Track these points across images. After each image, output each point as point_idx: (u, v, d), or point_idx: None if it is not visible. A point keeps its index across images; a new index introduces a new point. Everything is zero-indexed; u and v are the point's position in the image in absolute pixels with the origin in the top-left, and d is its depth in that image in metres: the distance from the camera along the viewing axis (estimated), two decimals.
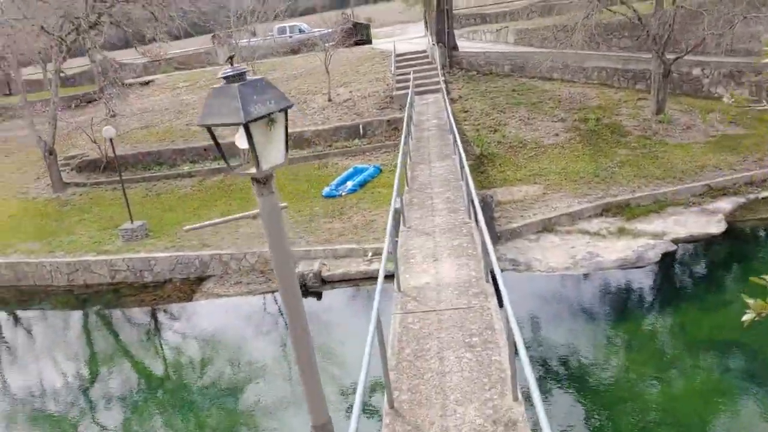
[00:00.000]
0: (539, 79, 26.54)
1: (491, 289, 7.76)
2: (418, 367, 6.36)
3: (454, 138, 13.77)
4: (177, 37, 45.85)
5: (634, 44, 27.07)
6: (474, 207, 8.92)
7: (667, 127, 20.81)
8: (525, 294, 13.62)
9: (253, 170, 3.00)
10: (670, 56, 20.60)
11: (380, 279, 6.35)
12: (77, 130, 26.97)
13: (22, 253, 19.28)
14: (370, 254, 16.14)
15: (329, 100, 26.84)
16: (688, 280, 14.20)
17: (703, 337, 11.67)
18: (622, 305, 13.14)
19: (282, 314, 15.45)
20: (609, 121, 21.80)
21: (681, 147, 19.68)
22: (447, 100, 19.59)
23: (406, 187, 13.17)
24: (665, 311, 12.56)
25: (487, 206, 15.55)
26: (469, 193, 10.07)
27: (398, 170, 11.14)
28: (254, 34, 33.80)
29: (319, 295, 15.66)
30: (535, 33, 30.87)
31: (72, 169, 25.69)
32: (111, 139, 19.08)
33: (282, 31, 39.45)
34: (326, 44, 29.38)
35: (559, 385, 10.57)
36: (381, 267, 6.71)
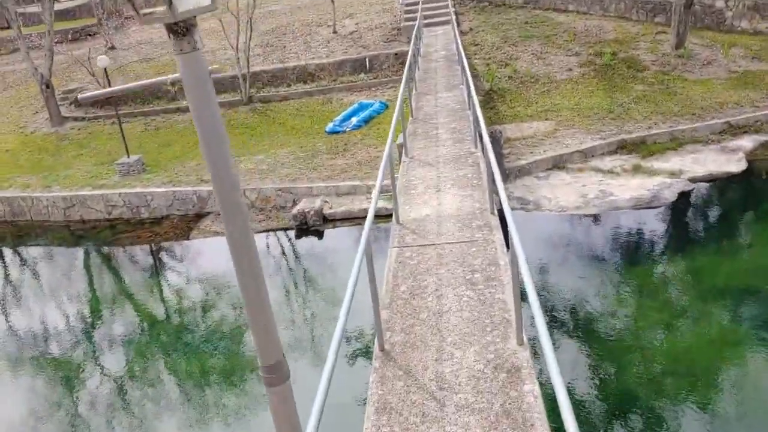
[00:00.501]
0: (553, 11, 25.36)
1: (496, 222, 7.19)
2: (413, 305, 5.84)
3: (462, 67, 12.98)
4: None
5: None
6: (481, 135, 8.26)
7: (686, 62, 19.82)
8: (533, 234, 13.04)
9: (164, 11, 1.78)
10: None
11: (371, 212, 5.78)
12: (76, 63, 26.15)
13: (18, 188, 18.83)
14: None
15: (334, 32, 25.81)
16: (705, 221, 13.59)
17: (718, 282, 11.07)
18: (635, 247, 12.57)
19: (284, 253, 15.03)
20: (625, 55, 20.79)
21: (701, 83, 18.75)
22: (457, 32, 18.62)
23: (411, 118, 12.48)
24: (680, 255, 11.97)
25: (495, 141, 14.83)
26: (476, 120, 9.39)
27: (399, 100, 10.45)
28: None
29: (320, 234, 15.17)
30: None
31: (71, 103, 25.00)
32: (106, 69, 18.32)
33: None
34: None
35: (565, 332, 10.10)
36: (373, 197, 6.12)
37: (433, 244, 6.93)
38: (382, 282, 6.25)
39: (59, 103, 24.20)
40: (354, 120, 19.35)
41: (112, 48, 27.63)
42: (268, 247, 15.18)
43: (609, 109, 17.72)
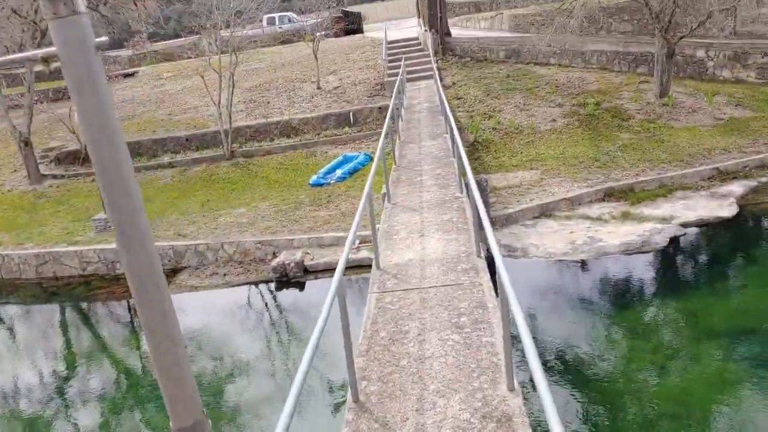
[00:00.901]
0: (535, 65, 25.52)
1: (483, 264, 6.71)
2: (393, 352, 5.29)
3: (445, 115, 12.73)
4: (163, 37, 44.81)
5: (634, 28, 26.11)
6: (466, 180, 7.86)
7: (671, 110, 19.78)
8: (521, 280, 12.52)
9: None
10: (675, 36, 19.56)
11: (344, 254, 5.30)
12: (58, 122, 25.87)
13: None
14: (357, 242, 15.08)
15: (318, 87, 25.79)
16: (698, 265, 13.16)
17: (712, 324, 10.59)
18: (626, 292, 12.09)
19: (267, 306, 14.41)
20: (609, 105, 20.77)
21: (687, 130, 18.65)
22: (439, 84, 18.55)
23: (394, 165, 12.13)
24: (673, 297, 11.49)
25: (481, 190, 14.37)
26: (461, 165, 9.01)
27: (380, 146, 10.09)
28: (243, 26, 32.75)
29: (301, 286, 14.59)
30: (531, 19, 29.84)
31: (51, 161, 24.58)
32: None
33: (271, 21, 38.44)
34: (316, 33, 28.38)
35: (556, 377, 9.50)
36: (348, 239, 5.65)
37: (417, 288, 6.42)
38: (360, 329, 5.71)
39: (39, 161, 23.78)
40: (338, 172, 19.03)
41: None
42: (242, 300, 14.59)
43: (595, 158, 17.50)
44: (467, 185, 7.74)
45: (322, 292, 14.06)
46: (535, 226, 14.73)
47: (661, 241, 13.25)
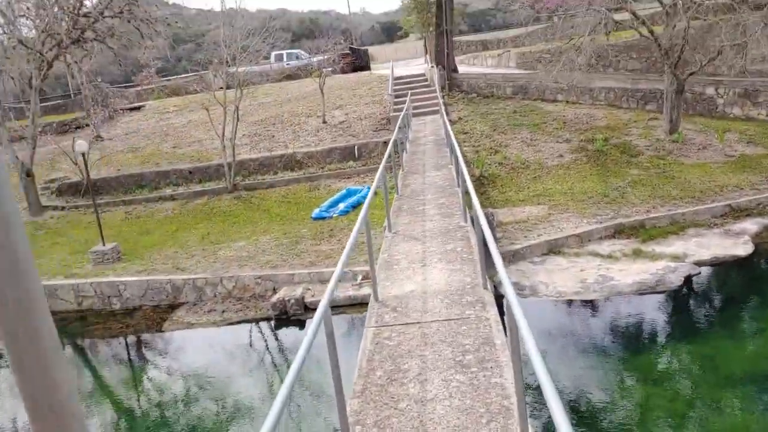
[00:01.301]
0: (542, 101, 25.32)
1: (490, 298, 6.27)
2: (391, 393, 4.81)
3: (450, 144, 12.39)
4: (171, 72, 45.11)
5: (642, 66, 25.94)
6: (472, 209, 7.46)
7: (681, 147, 19.43)
8: (530, 321, 11.96)
9: None
10: (684, 72, 19.30)
11: (332, 283, 4.88)
12: (62, 155, 25.74)
13: None
14: (359, 278, 14.63)
15: (324, 122, 25.61)
16: (715, 306, 12.62)
17: (734, 370, 10.02)
18: (641, 334, 11.54)
19: (266, 347, 13.90)
20: (618, 141, 20.45)
21: (698, 167, 18.26)
22: (445, 117, 18.30)
23: (396, 195, 11.74)
24: (690, 341, 10.94)
25: (488, 223, 14.07)
26: (464, 192, 8.60)
27: (378, 175, 9.72)
28: (249, 61, 32.80)
29: (301, 324, 14.09)
30: (538, 56, 29.76)
31: (52, 193, 24.36)
32: (84, 155, 17.74)
33: (279, 57, 38.57)
34: (323, 69, 28.35)
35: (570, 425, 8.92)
36: (337, 269, 5.23)
37: (417, 323, 5.97)
38: (355, 368, 5.25)
39: (40, 192, 23.56)
40: (341, 206, 18.67)
41: (99, 138, 27.30)
42: (240, 338, 14.08)
43: (604, 194, 17.10)
44: (473, 218, 7.33)
45: (322, 331, 13.58)
46: (544, 263, 14.26)
47: (676, 280, 12.74)
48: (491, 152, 20.83)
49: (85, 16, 20.90)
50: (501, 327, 5.56)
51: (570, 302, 12.64)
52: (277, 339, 14.04)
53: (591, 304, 12.49)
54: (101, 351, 15.01)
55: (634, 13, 18.42)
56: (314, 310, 13.87)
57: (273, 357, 13.46)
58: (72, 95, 39.00)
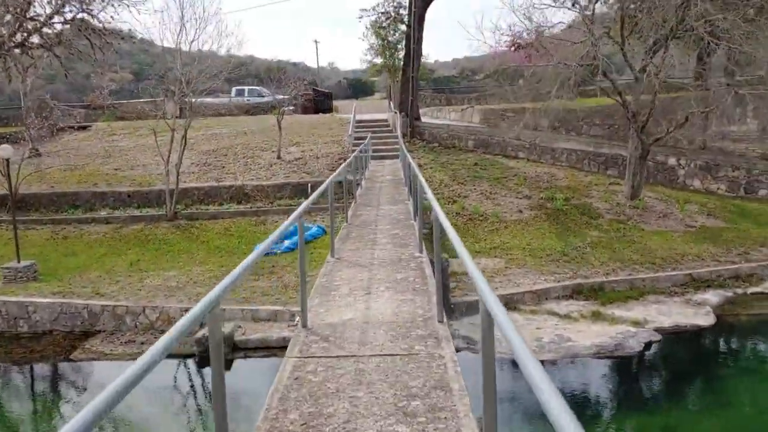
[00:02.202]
0: (504, 157, 24.81)
1: (446, 332, 5.18)
2: None
3: (411, 173, 11.43)
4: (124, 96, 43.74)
5: (605, 132, 25.80)
6: (432, 213, 6.43)
7: (642, 213, 18.93)
8: (475, 380, 10.89)
9: None
10: (650, 137, 18.96)
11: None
12: None
13: None
14: (297, 318, 13.34)
15: (278, 157, 24.53)
16: (675, 375, 11.73)
17: None
18: (598, 401, 10.54)
19: (186, 386, 12.39)
20: (578, 202, 19.87)
21: (658, 234, 17.71)
22: (407, 154, 17.49)
23: (344, 224, 10.67)
24: (650, 412, 9.98)
25: (442, 271, 13.06)
26: (421, 216, 7.58)
27: (318, 190, 8.68)
28: (208, 93, 31.73)
29: (228, 364, 12.67)
30: (501, 114, 29.48)
31: None
32: (7, 160, 16.25)
33: (240, 92, 37.68)
34: (283, 107, 27.47)
35: None
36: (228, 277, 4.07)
37: (353, 356, 4.81)
38: (261, 409, 4.05)
39: None
40: (286, 242, 17.45)
41: (35, 152, 25.61)
42: (170, 376, 12.57)
43: (563, 252, 16.33)
44: (433, 240, 6.31)
45: (250, 375, 12.22)
46: None
47: (636, 345, 11.85)
48: (449, 201, 20.00)
49: (32, 19, 19.63)
50: (458, 368, 4.45)
51: None
52: (198, 378, 12.58)
53: (547, 365, 11.45)
54: (8, 379, 13.29)
55: (605, 73, 18.05)
56: (243, 349, 12.51)
57: (195, 399, 11.98)
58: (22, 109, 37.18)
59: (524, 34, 19.98)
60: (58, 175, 23.92)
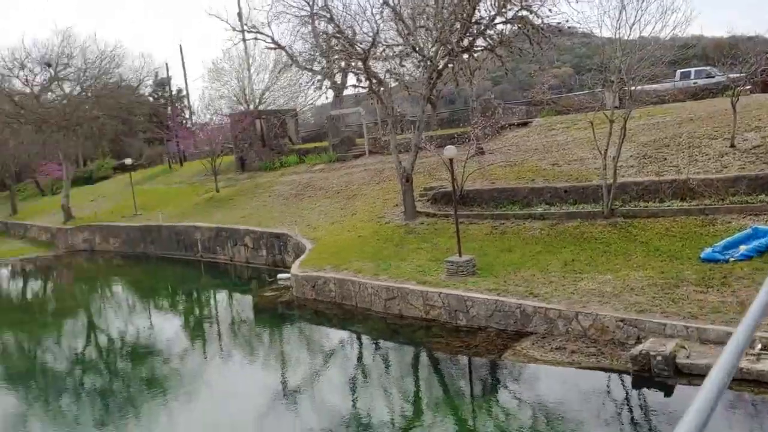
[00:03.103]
0: None
1: None
2: None
3: None
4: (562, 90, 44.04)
5: None
6: None
7: None
8: None
9: None
10: None
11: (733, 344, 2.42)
12: (442, 165, 26.26)
13: (352, 271, 18.56)
14: (758, 346, 10.97)
15: (732, 145, 21.20)
16: None
17: None
18: None
19: (617, 406, 11.32)
20: None
21: None
22: None
23: None
24: None
25: None
26: None
27: None
28: (651, 79, 29.48)
29: (668, 389, 11.10)
30: None
31: (428, 200, 24.94)
32: (451, 160, 17.31)
33: (685, 75, 34.28)
34: (738, 87, 23.73)
35: None
36: (738, 330, 2.71)
37: None
38: None
39: (417, 199, 24.23)
40: (742, 248, 14.74)
41: (480, 151, 27.17)
42: (596, 391, 11.70)
43: None
44: None
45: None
46: None
47: None
48: None
49: (476, 23, 20.59)
50: None
51: None
52: (633, 400, 11.33)
53: None
54: (446, 368, 14.22)
55: None
56: (687, 375, 10.74)
57: (633, 419, 10.82)
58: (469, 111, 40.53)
59: None
60: (498, 172, 24.93)
